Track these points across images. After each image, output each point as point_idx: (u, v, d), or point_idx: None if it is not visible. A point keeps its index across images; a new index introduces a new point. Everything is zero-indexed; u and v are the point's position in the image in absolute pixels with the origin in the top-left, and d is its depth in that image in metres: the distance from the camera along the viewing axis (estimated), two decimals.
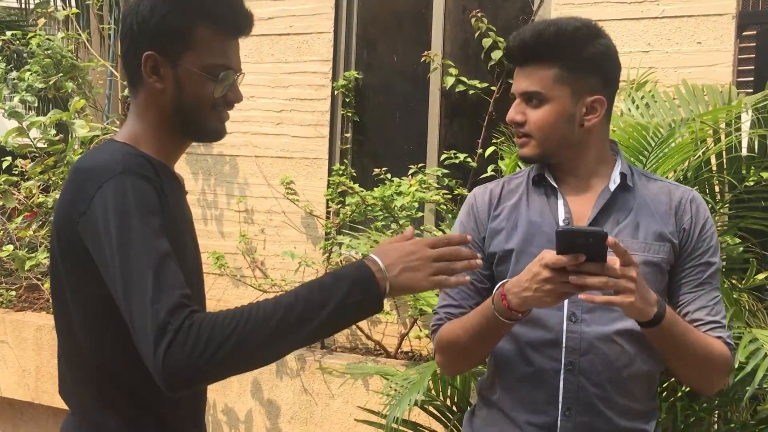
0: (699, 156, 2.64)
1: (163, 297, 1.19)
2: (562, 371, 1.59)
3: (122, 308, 1.24)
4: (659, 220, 1.63)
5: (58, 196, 4.33)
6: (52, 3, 6.06)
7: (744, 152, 2.77)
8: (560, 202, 1.66)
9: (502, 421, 1.67)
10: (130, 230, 1.25)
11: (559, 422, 1.59)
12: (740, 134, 2.68)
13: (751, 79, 4.16)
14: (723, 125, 2.69)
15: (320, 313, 1.23)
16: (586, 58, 1.60)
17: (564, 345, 1.59)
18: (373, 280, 1.27)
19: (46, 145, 4.52)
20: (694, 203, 1.65)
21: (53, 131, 4.44)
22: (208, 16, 1.41)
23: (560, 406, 1.59)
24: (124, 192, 1.28)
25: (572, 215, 1.65)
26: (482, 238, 1.72)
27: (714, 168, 2.74)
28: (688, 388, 2.41)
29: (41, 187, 4.65)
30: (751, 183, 2.72)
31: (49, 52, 4.67)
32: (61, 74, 4.70)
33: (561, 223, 1.64)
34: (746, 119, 2.72)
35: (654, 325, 1.46)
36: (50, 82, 4.68)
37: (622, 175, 1.65)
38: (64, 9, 5.20)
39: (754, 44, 4.25)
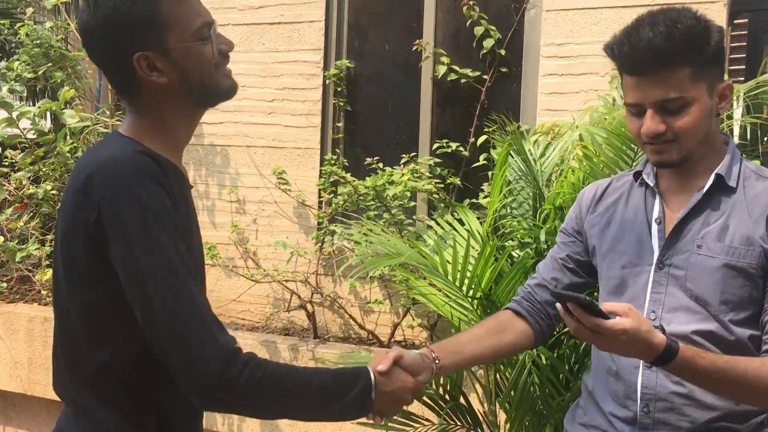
0: None
1: (213, 326, 1.29)
2: (640, 368, 1.60)
3: (152, 319, 1.27)
4: (751, 224, 1.53)
5: (49, 187, 4.33)
6: None
7: (736, 140, 2.77)
8: (657, 201, 1.65)
9: (594, 410, 1.71)
10: (157, 248, 1.26)
11: (638, 417, 1.60)
12: (732, 122, 2.68)
13: (743, 67, 4.16)
14: None
15: (332, 406, 1.41)
16: (713, 49, 1.52)
17: None
18: (370, 404, 1.45)
19: (35, 136, 4.49)
20: None
21: (44, 121, 4.41)
22: None
23: (638, 402, 1.60)
24: (141, 201, 1.26)
25: (665, 216, 1.63)
26: (581, 231, 1.79)
27: None
28: None
29: (31, 178, 4.62)
30: None
31: (38, 41, 4.63)
32: (50, 64, 4.66)
33: (653, 223, 1.64)
34: (738, 107, 2.73)
35: (658, 365, 1.43)
36: (39, 72, 4.64)
37: (718, 177, 1.58)
38: None
39: (746, 32, 4.24)
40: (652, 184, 1.66)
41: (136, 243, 1.25)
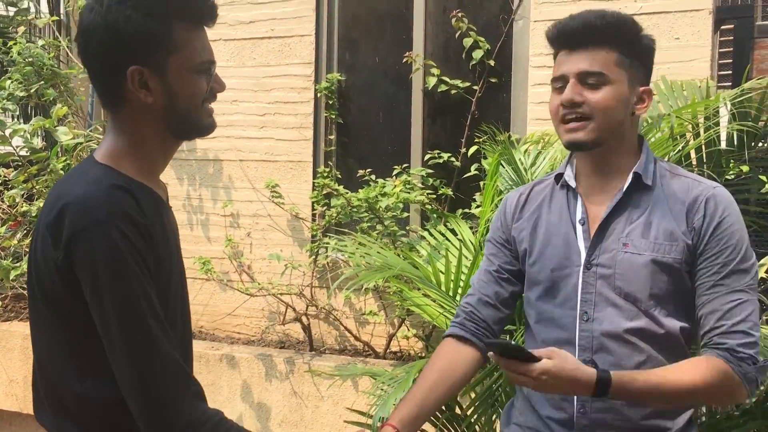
0: (679, 150, 2.66)
1: (179, 375, 1.30)
2: None
3: (118, 358, 1.27)
4: (673, 219, 1.59)
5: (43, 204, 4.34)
6: (32, 11, 6.03)
7: (723, 145, 2.79)
8: (579, 202, 1.69)
9: (530, 413, 1.73)
10: (125, 293, 1.25)
11: (575, 418, 1.62)
12: (719, 128, 2.70)
13: (730, 72, 4.19)
14: (702, 120, 2.72)
15: None
16: (641, 48, 1.63)
17: (577, 343, 1.62)
18: None
19: (29, 154, 4.50)
20: (712, 201, 1.58)
21: (37, 139, 4.42)
22: (182, 14, 1.35)
23: (575, 403, 1.62)
24: (111, 244, 1.24)
25: (588, 216, 1.67)
26: (507, 239, 1.81)
27: (694, 162, 2.77)
28: None
29: (25, 196, 4.63)
30: (732, 176, 2.76)
31: (30, 59, 4.64)
32: (42, 82, 4.67)
33: (578, 225, 1.67)
34: (725, 113, 2.75)
35: (599, 396, 1.49)
36: (32, 90, 4.65)
37: (636, 175, 1.64)
38: (44, 17, 5.17)
39: (731, 38, 4.28)
40: (573, 186, 1.70)
41: (105, 287, 1.24)
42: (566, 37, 1.64)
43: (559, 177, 1.74)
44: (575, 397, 1.61)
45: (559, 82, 1.65)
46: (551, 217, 1.71)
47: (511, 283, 1.80)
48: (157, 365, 1.26)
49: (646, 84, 1.65)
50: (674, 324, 1.60)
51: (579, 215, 1.67)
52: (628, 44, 1.61)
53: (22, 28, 5.03)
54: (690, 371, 1.51)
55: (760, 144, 2.80)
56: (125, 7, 1.31)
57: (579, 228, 1.66)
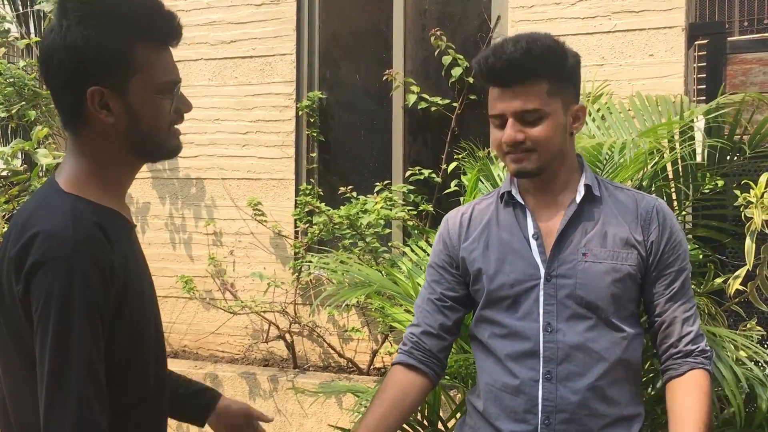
0: (654, 165, 2.70)
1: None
2: (540, 381, 1.64)
3: (40, 398, 1.23)
4: (626, 228, 1.66)
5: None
6: (13, 31, 6.03)
7: (699, 159, 2.83)
8: (529, 218, 1.71)
9: (488, 429, 1.72)
10: (71, 333, 1.22)
11: (539, 430, 1.64)
12: (693, 144, 2.74)
13: (704, 86, 4.25)
14: (677, 135, 2.76)
15: None
16: (569, 71, 1.66)
17: (541, 355, 1.64)
18: None
19: (9, 175, 4.49)
20: (661, 211, 1.69)
21: (17, 161, 4.41)
22: (144, 34, 1.33)
23: (539, 415, 1.63)
24: (70, 285, 1.21)
25: (541, 230, 1.70)
26: (452, 261, 1.80)
27: (671, 176, 2.80)
28: (653, 392, 2.46)
29: (6, 218, 4.61)
30: (707, 191, 2.80)
31: (11, 80, 4.64)
32: (23, 102, 4.67)
33: (531, 239, 1.69)
34: (698, 129, 2.79)
35: None
36: (13, 111, 4.65)
37: (587, 187, 1.69)
38: (24, 37, 5.18)
39: (705, 53, 4.35)
40: (522, 203, 1.73)
41: (50, 327, 1.22)
42: (495, 75, 1.63)
43: (503, 195, 1.76)
44: (539, 408, 1.64)
45: (498, 120, 1.66)
46: (502, 234, 1.73)
47: (453, 310, 1.81)
48: (69, 425, 1.21)
49: (577, 101, 1.69)
50: (633, 330, 1.67)
51: (531, 230, 1.70)
52: (557, 71, 1.63)
53: (2, 50, 5.03)
54: (699, 404, 1.60)
55: (735, 158, 2.84)
56: (84, 27, 1.28)
57: (533, 242, 1.69)
